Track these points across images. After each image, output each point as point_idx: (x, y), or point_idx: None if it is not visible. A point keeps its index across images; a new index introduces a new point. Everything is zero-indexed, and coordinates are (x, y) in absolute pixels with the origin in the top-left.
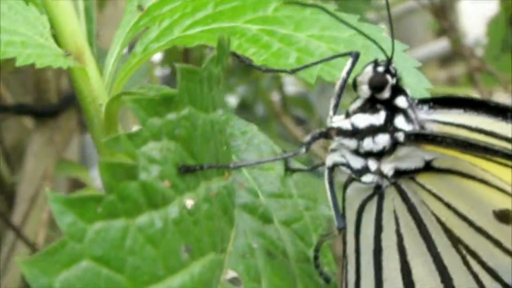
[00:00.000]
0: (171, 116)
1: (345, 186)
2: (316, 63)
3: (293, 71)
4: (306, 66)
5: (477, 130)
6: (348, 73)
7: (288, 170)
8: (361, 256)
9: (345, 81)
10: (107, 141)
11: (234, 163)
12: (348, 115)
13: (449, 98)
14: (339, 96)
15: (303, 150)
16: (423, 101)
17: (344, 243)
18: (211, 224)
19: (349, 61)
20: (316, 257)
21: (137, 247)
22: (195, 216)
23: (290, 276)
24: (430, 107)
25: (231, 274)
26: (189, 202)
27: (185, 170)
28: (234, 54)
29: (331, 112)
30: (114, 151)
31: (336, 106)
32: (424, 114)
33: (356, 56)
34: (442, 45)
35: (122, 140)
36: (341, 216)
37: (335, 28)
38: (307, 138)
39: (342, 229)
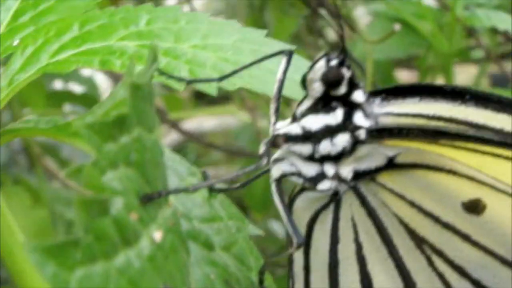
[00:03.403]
0: (125, 139)
1: (292, 199)
2: (246, 66)
3: (221, 79)
4: (235, 72)
5: (435, 117)
6: (285, 73)
7: (214, 191)
8: (312, 273)
9: (282, 82)
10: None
11: (193, 185)
12: (295, 119)
13: (403, 87)
14: (278, 99)
15: (264, 161)
16: (374, 93)
17: (290, 262)
18: (177, 257)
19: (283, 60)
20: (261, 281)
21: None
22: (164, 249)
23: None
24: (383, 99)
25: None
26: (157, 235)
27: (147, 200)
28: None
29: (272, 119)
30: None
31: (277, 111)
32: (377, 107)
33: (290, 54)
34: None
35: (86, 171)
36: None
37: (217, 35)
38: (262, 148)
39: (302, 245)
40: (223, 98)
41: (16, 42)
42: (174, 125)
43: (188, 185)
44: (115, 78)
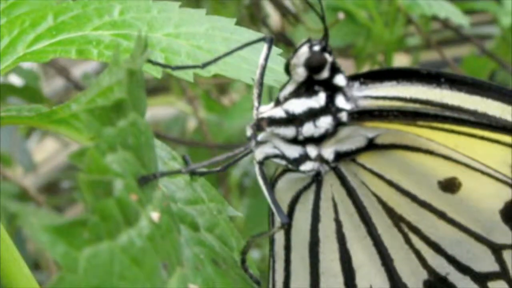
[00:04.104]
0: (122, 123)
1: (274, 180)
2: (228, 53)
3: (204, 65)
4: (218, 59)
5: (412, 100)
6: (266, 59)
7: (195, 174)
8: (292, 252)
9: (264, 68)
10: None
11: (184, 167)
12: (278, 103)
13: (380, 71)
14: (261, 84)
15: (253, 143)
16: (352, 78)
17: (271, 241)
18: (172, 237)
19: (264, 46)
20: (243, 260)
21: (125, 271)
22: (161, 229)
23: (236, 283)
24: (361, 83)
25: None
26: (155, 215)
27: (144, 181)
28: None
29: (255, 103)
30: None
31: (259, 96)
32: (355, 91)
33: (270, 40)
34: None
35: (89, 154)
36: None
37: (189, 24)
38: (249, 132)
39: (286, 224)
40: (154, 89)
41: None
42: None
43: (180, 168)
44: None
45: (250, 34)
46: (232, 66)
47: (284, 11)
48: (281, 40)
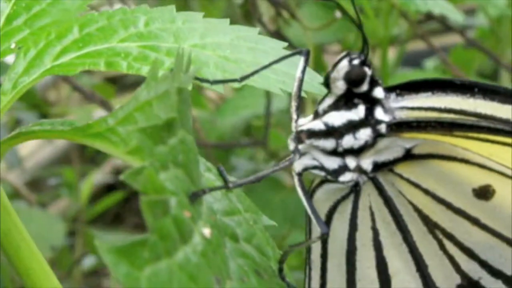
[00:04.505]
0: (172, 141)
1: (312, 191)
2: (265, 67)
3: (242, 79)
4: (255, 73)
5: (446, 110)
6: (303, 72)
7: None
8: (329, 260)
9: (301, 81)
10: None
11: (232, 182)
12: (317, 115)
13: (416, 82)
14: (299, 97)
15: (297, 156)
16: (388, 89)
17: (308, 250)
18: (222, 251)
19: (301, 60)
20: (281, 269)
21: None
22: (212, 244)
23: None
24: (398, 94)
25: None
26: (207, 231)
27: (194, 198)
28: None
29: (294, 115)
30: None
31: (298, 108)
32: (392, 102)
33: (307, 54)
34: None
35: (146, 173)
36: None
37: (214, 34)
38: (292, 145)
39: (326, 235)
40: (136, 84)
41: (12, 45)
42: None
43: (228, 184)
44: None
45: (274, 44)
46: (261, 76)
47: (278, 8)
48: (276, 38)
